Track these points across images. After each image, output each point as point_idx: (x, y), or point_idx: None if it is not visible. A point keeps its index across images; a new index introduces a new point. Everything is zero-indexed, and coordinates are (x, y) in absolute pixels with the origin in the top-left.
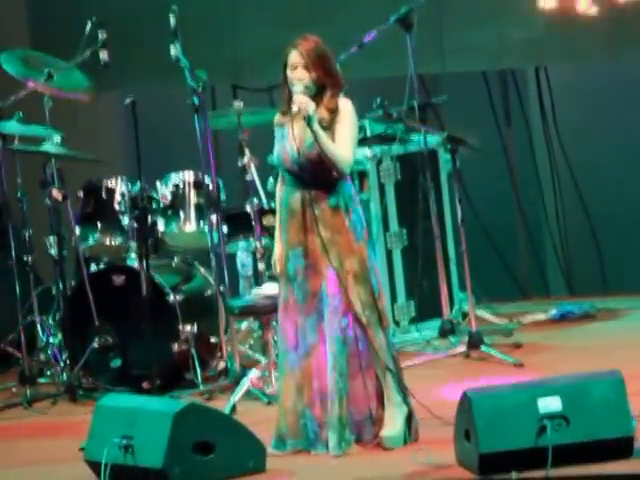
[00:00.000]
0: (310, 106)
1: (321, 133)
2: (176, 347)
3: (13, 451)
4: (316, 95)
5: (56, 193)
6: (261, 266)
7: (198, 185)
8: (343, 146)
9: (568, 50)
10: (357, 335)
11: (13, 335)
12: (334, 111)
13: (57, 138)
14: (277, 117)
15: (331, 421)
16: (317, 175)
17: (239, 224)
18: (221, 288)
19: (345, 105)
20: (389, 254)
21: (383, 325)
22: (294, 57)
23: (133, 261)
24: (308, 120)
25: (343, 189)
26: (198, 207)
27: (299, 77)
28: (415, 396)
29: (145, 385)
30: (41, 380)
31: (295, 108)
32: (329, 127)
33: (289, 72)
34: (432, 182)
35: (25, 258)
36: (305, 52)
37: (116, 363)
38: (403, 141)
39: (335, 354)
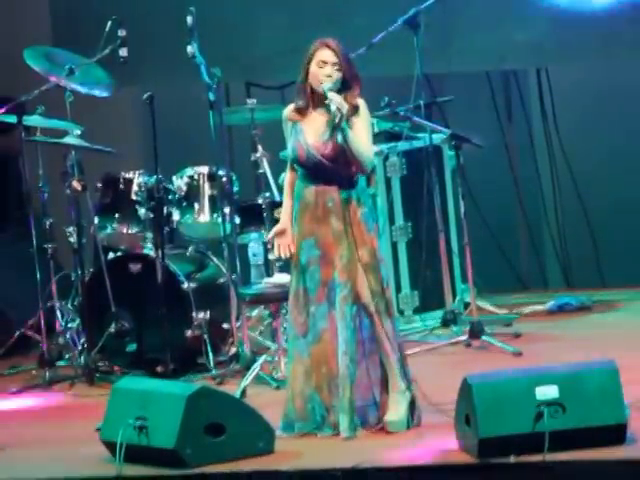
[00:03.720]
0: (345, 105)
1: (350, 132)
2: (189, 333)
3: (32, 431)
4: (339, 93)
5: (76, 184)
6: (272, 256)
7: (212, 177)
8: (365, 145)
9: (568, 52)
10: (362, 323)
11: (33, 320)
12: (355, 109)
13: (77, 131)
14: (289, 112)
15: (343, 405)
16: (331, 169)
17: (251, 216)
18: (233, 277)
19: (360, 103)
20: (394, 246)
21: (390, 313)
22: (326, 55)
23: (149, 250)
24: (340, 119)
25: (356, 182)
26: (212, 199)
27: (328, 73)
28: (418, 384)
29: (159, 369)
30: (60, 363)
31: (333, 107)
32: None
33: (315, 68)
34: (436, 178)
35: (46, 246)
36: (338, 51)
37: (132, 347)
38: (409, 138)
39: (347, 340)
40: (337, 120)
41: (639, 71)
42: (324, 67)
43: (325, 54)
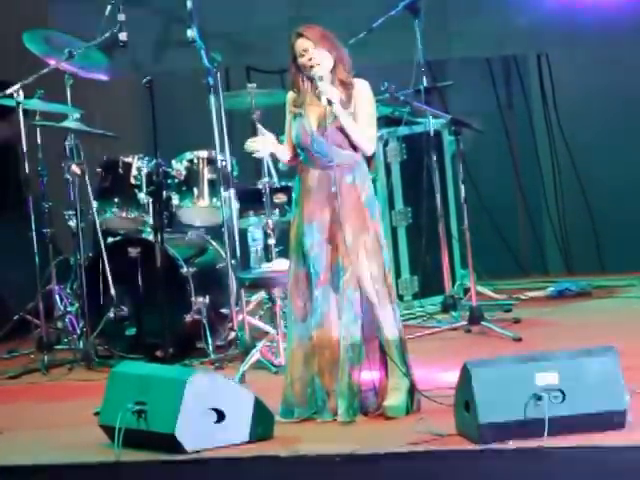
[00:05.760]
0: (335, 92)
1: (346, 116)
2: (188, 317)
3: (30, 415)
4: (330, 71)
5: (75, 168)
6: (271, 241)
7: (212, 162)
8: (365, 126)
9: (569, 37)
10: (364, 308)
11: (32, 303)
12: (348, 85)
13: (77, 115)
14: (290, 103)
15: (341, 389)
16: (335, 153)
17: (251, 200)
18: (232, 261)
19: (362, 85)
20: (394, 231)
21: (391, 299)
22: (301, 43)
23: (148, 234)
24: (334, 108)
25: (359, 167)
26: (211, 183)
27: (311, 57)
28: (415, 372)
29: (158, 353)
30: (58, 347)
31: (324, 100)
32: (346, 107)
33: (301, 60)
34: (436, 163)
35: (44, 230)
36: (309, 34)
37: (131, 332)
38: (409, 123)
39: (347, 325)
40: (330, 109)
41: (639, 56)
42: (306, 54)
43: (300, 43)
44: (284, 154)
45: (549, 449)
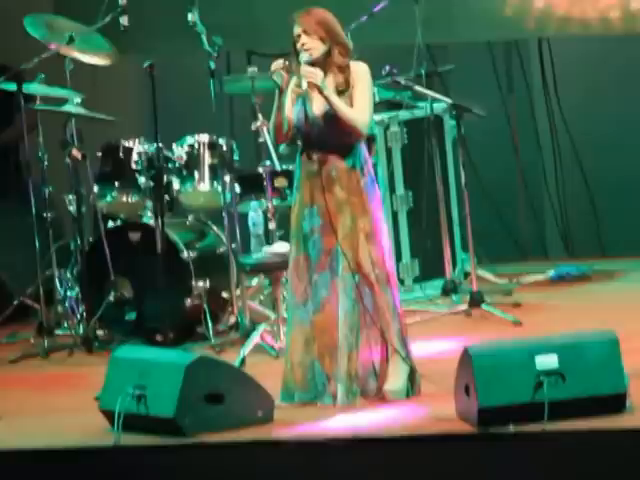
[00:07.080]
0: (318, 75)
1: (335, 98)
2: (189, 302)
3: (30, 399)
4: (325, 57)
5: (76, 152)
6: (272, 225)
7: (212, 146)
8: (359, 108)
9: (570, 22)
10: (364, 292)
11: (32, 288)
12: (345, 69)
13: (77, 99)
14: (294, 86)
15: (340, 374)
16: (334, 137)
17: (251, 185)
18: (233, 246)
19: (360, 68)
20: (395, 215)
21: (391, 284)
22: (295, 29)
23: (149, 219)
24: (320, 89)
25: (359, 151)
26: (212, 167)
27: (302, 42)
28: (415, 355)
29: (158, 338)
30: (58, 332)
31: (304, 84)
32: (345, 91)
33: (297, 45)
34: (437, 147)
35: (45, 214)
36: (303, 20)
37: (131, 316)
38: (410, 107)
39: (346, 310)
40: (313, 91)
41: (639, 42)
42: (299, 40)
43: (295, 29)
44: (285, 113)
45: (549, 433)
